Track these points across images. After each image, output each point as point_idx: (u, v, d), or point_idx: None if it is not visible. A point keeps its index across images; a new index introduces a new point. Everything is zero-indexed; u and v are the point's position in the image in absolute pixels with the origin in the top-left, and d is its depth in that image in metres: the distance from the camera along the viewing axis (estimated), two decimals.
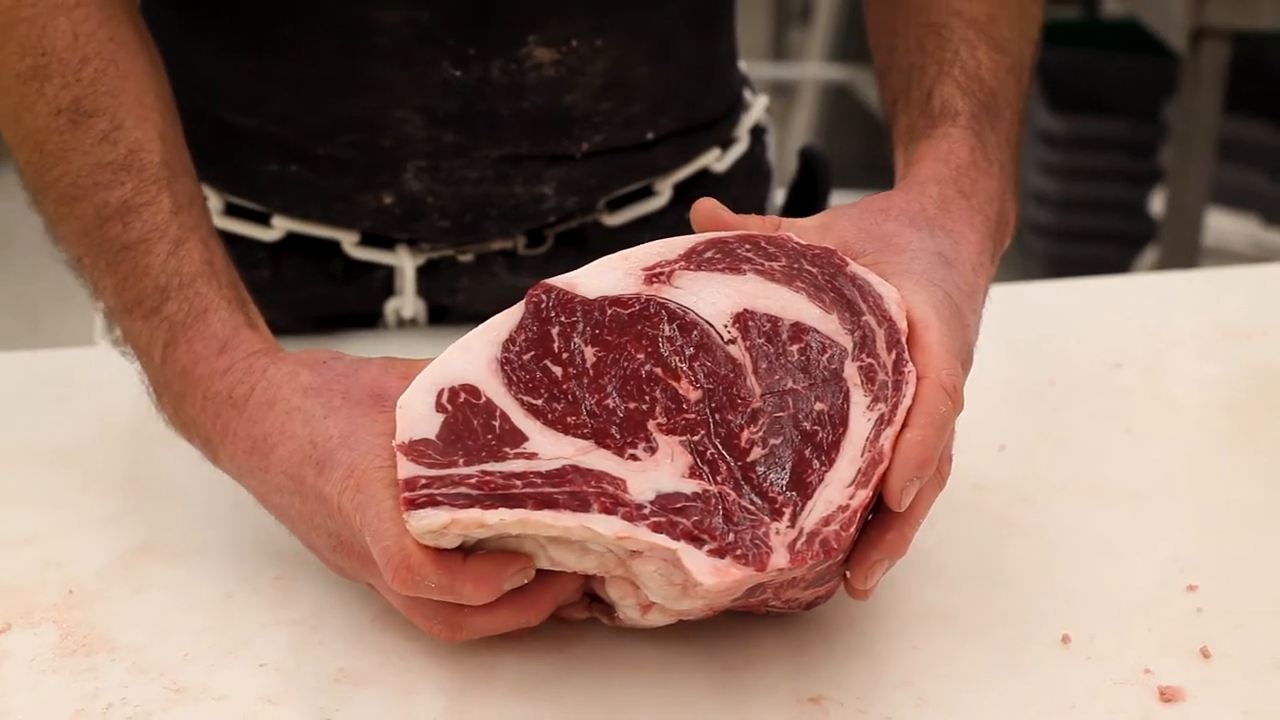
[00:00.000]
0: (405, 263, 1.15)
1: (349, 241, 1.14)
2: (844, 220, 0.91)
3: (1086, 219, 3.04)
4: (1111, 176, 2.98)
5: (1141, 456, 1.04)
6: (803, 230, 0.90)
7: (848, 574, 0.81)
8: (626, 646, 0.86)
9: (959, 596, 0.91)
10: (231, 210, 1.15)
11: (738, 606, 0.83)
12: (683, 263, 0.86)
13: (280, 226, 1.14)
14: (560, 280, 0.85)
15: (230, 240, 1.14)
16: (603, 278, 0.85)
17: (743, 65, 1.29)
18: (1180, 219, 2.16)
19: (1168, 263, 2.20)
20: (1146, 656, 0.86)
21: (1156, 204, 2.63)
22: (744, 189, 1.24)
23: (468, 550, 0.80)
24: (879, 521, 0.81)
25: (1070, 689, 0.84)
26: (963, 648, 0.87)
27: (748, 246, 0.87)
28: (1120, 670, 0.85)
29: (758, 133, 1.27)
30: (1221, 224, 2.49)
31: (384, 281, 1.16)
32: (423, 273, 1.16)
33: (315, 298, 1.17)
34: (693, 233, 1.17)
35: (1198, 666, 0.86)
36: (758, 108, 1.27)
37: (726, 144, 1.23)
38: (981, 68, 0.99)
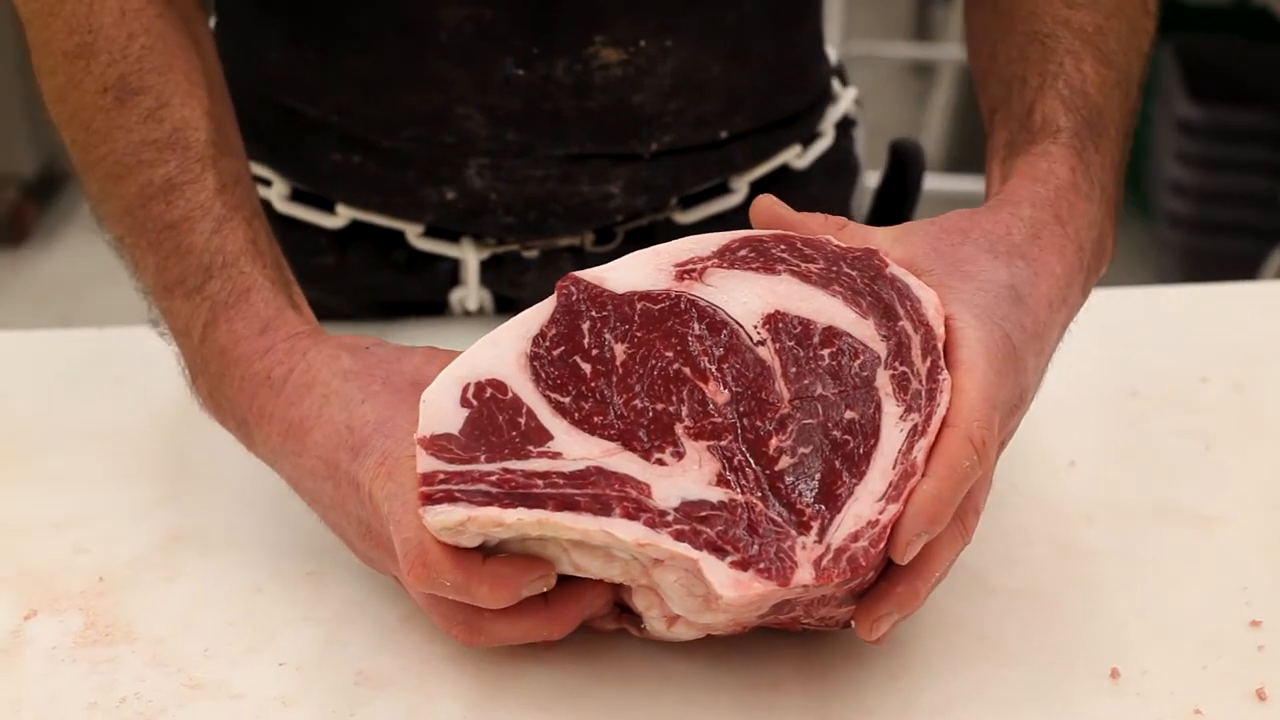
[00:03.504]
0: (469, 256, 1.13)
1: (413, 233, 1.12)
2: (918, 235, 0.86)
3: (1222, 211, 2.95)
4: (1250, 168, 2.89)
5: (1218, 478, 0.99)
6: (869, 238, 0.86)
7: (853, 622, 0.78)
8: (654, 661, 0.84)
9: (1006, 621, 0.87)
10: (297, 196, 1.14)
11: (768, 623, 0.80)
12: (715, 260, 0.83)
13: (344, 215, 1.12)
14: (589, 274, 0.82)
15: (294, 226, 1.13)
16: (633, 272, 0.83)
17: (832, 54, 1.25)
18: None
19: None
20: (1198, 696, 0.82)
21: None
22: (825, 186, 1.20)
23: (489, 551, 0.78)
24: (889, 573, 0.77)
25: None
26: (1003, 677, 0.83)
27: (783, 247, 0.83)
28: (1168, 710, 0.81)
29: (845, 126, 1.23)
30: None
31: (449, 272, 1.14)
32: (487, 266, 1.13)
33: (379, 286, 1.15)
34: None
35: (1251, 710, 0.81)
36: (845, 100, 1.23)
37: (809, 140, 1.19)
38: (1087, 82, 0.93)
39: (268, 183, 1.14)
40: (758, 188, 1.15)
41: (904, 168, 1.24)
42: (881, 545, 0.74)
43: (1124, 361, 1.11)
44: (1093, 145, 0.91)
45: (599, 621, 0.83)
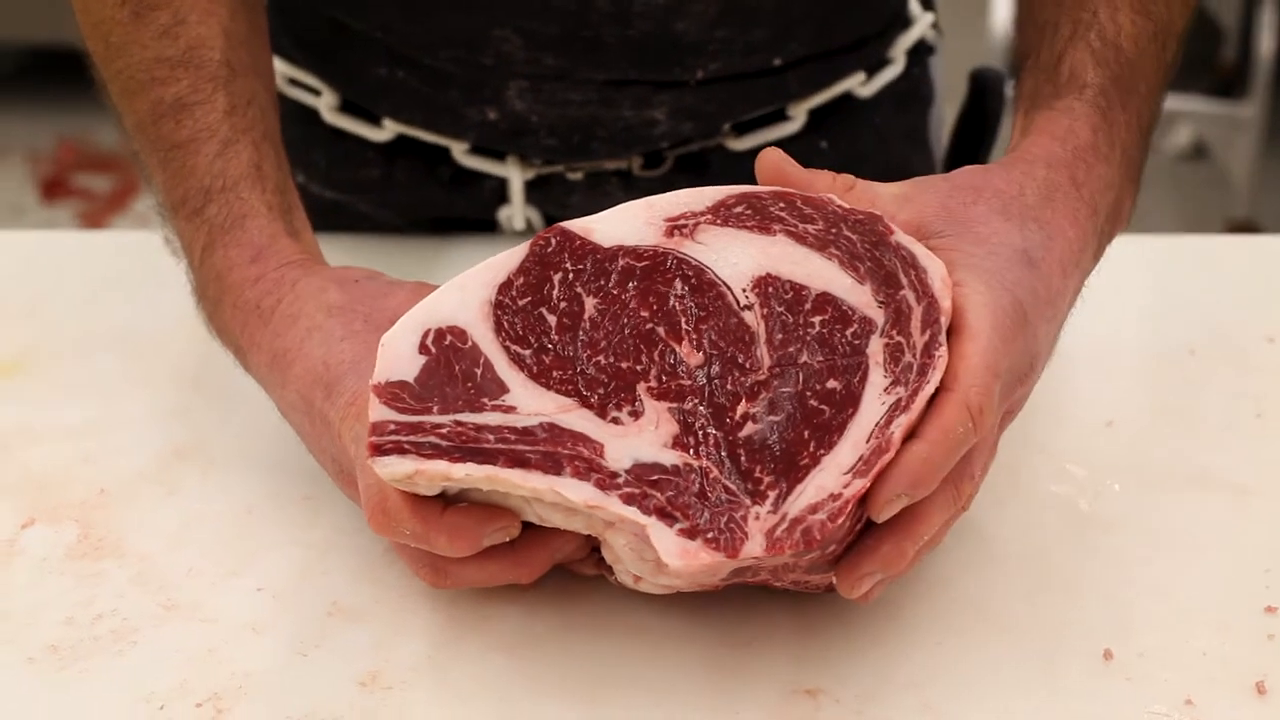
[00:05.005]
0: (514, 175, 1.10)
1: (459, 150, 1.10)
2: (928, 194, 0.82)
3: None
4: None
5: (1267, 448, 0.93)
6: (877, 198, 0.82)
7: (834, 579, 0.75)
8: (628, 612, 0.82)
9: (1004, 591, 0.83)
10: (345, 107, 1.12)
11: (737, 583, 0.77)
12: (709, 216, 0.79)
13: (391, 128, 1.11)
14: (575, 224, 0.80)
15: (342, 137, 1.12)
16: (622, 225, 0.80)
17: None
18: None
19: None
20: (1192, 684, 0.77)
21: None
22: (893, 115, 1.15)
23: (451, 499, 0.77)
24: (875, 531, 0.74)
25: (1096, 713, 0.76)
26: (990, 652, 0.80)
27: (783, 205, 0.80)
28: (1159, 697, 0.77)
29: (919, 53, 1.18)
30: None
31: (496, 190, 1.12)
32: (533, 186, 1.11)
33: (426, 201, 1.13)
34: (830, 159, 1.09)
35: (1248, 703, 0.77)
36: (921, 25, 1.17)
37: (876, 67, 1.14)
38: (1122, 34, 0.88)
39: (317, 92, 1.12)
40: (817, 115, 1.11)
41: (984, 98, 1.18)
42: (841, 519, 0.71)
43: (1184, 316, 1.05)
44: (1119, 104, 0.86)
45: (578, 565, 0.82)
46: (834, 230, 0.78)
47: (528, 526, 0.78)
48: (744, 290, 0.77)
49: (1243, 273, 1.10)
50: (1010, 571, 0.85)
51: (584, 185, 1.11)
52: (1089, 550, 0.86)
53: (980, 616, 0.82)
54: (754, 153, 1.09)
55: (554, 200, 1.12)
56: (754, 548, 0.71)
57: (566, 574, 0.82)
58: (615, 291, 0.77)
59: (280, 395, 0.85)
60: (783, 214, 0.79)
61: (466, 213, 1.14)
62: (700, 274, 0.77)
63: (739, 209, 0.79)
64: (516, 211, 1.12)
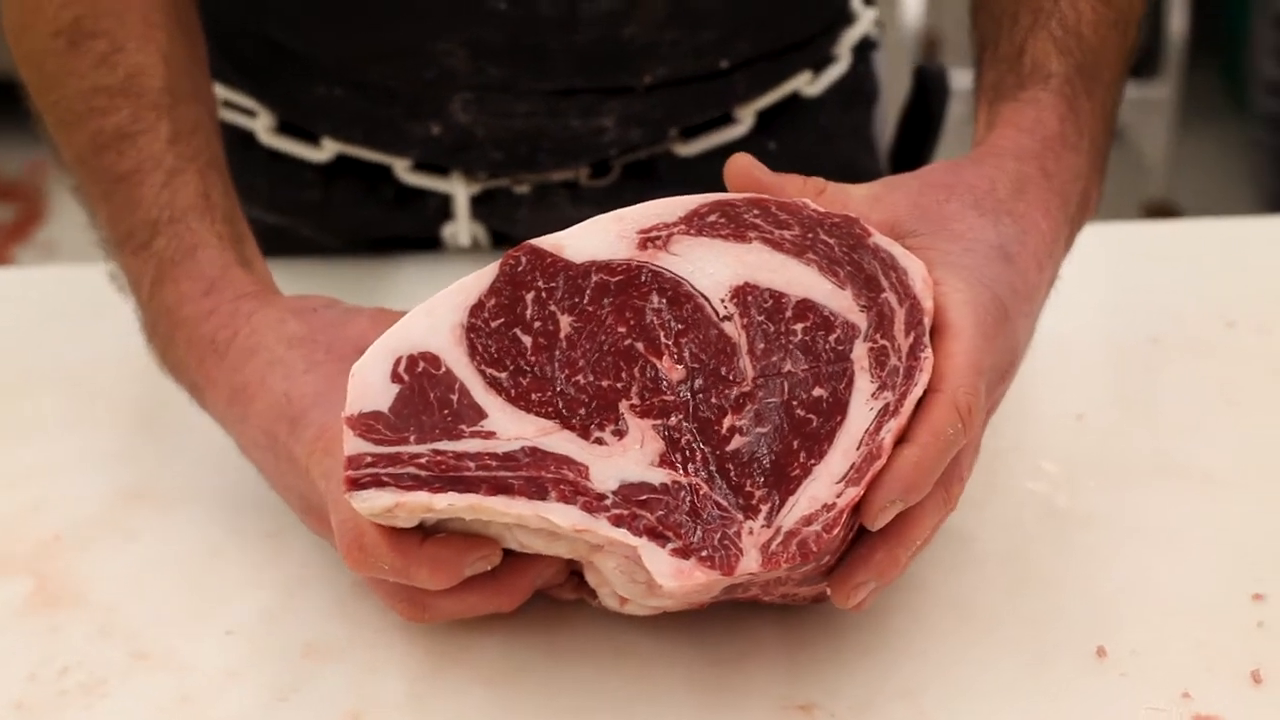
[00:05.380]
0: (459, 190, 1.08)
1: (401, 167, 1.08)
2: (899, 193, 0.81)
3: None
4: None
5: (1238, 435, 0.93)
6: (849, 199, 0.80)
7: (828, 590, 0.73)
8: (611, 634, 0.80)
9: (988, 593, 0.82)
10: (283, 128, 1.10)
11: (725, 600, 0.76)
12: (683, 226, 0.78)
13: (330, 148, 1.08)
14: (546, 241, 0.78)
15: (280, 159, 1.09)
16: (592, 240, 0.78)
17: None
18: None
19: None
20: (1189, 678, 0.77)
21: None
22: (839, 114, 1.14)
23: (429, 530, 0.74)
24: (868, 539, 0.72)
25: (1093, 713, 0.75)
26: (981, 656, 0.78)
27: (757, 212, 0.78)
28: (1155, 692, 0.76)
29: (863, 49, 1.16)
30: None
31: (440, 207, 1.10)
32: (479, 201, 1.09)
33: (368, 221, 1.11)
34: (778, 160, 1.08)
35: (1245, 693, 0.76)
36: (865, 21, 1.16)
37: (821, 65, 1.12)
38: (1083, 21, 0.87)
39: (252, 114, 1.10)
40: (765, 117, 1.10)
41: (928, 94, 1.17)
42: (836, 530, 0.70)
43: (1143, 305, 1.04)
44: (1084, 93, 0.85)
45: (557, 590, 0.80)
46: (811, 235, 0.77)
47: (508, 553, 0.76)
48: (723, 301, 0.75)
49: (1197, 258, 1.10)
50: (992, 572, 0.83)
51: (530, 198, 1.09)
52: (1069, 547, 0.85)
53: (967, 619, 0.81)
54: (702, 158, 1.09)
55: (500, 215, 1.10)
56: (750, 564, 0.69)
57: (545, 599, 0.80)
58: (591, 308, 0.75)
59: (241, 432, 0.82)
60: (758, 221, 0.77)
61: (410, 231, 1.12)
62: (677, 286, 0.75)
63: (713, 218, 0.78)
64: (462, 228, 1.10)
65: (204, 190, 0.87)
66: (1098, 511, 0.87)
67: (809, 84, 1.11)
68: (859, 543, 0.73)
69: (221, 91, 1.09)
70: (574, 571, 0.79)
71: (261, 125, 1.09)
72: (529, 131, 1.03)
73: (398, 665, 0.79)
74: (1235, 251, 1.10)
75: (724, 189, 1.06)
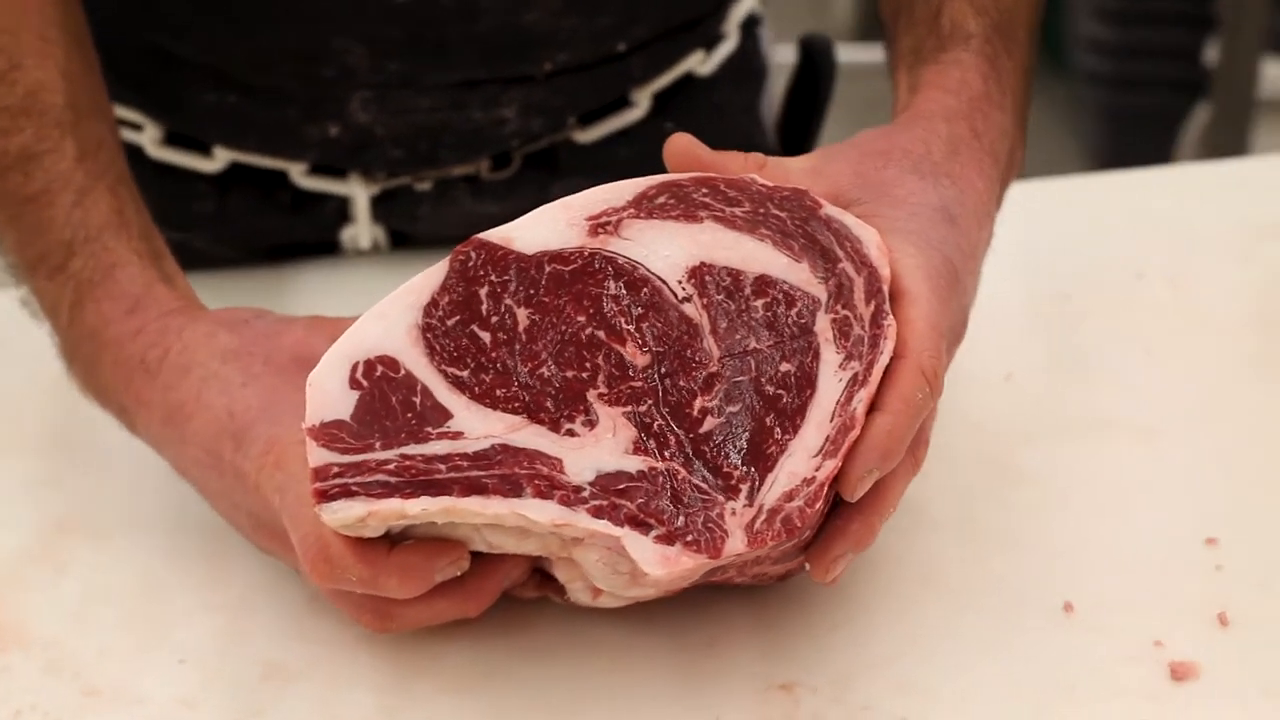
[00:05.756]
0: (358, 192, 1.06)
1: (297, 171, 1.05)
2: (838, 163, 0.81)
3: (1142, 66, 2.89)
4: (1171, 21, 2.82)
5: (1163, 385, 0.94)
6: (790, 172, 0.80)
7: (807, 565, 0.73)
8: (580, 629, 0.79)
9: (949, 557, 0.82)
10: (171, 139, 1.06)
11: (699, 584, 0.75)
12: (632, 210, 0.77)
13: (222, 157, 1.05)
14: (494, 234, 0.76)
15: (170, 172, 1.06)
16: (541, 230, 0.76)
17: None
18: (1234, 70, 2.03)
19: (1221, 117, 2.07)
20: (1157, 626, 0.78)
21: (1211, 53, 2.48)
22: (732, 93, 1.14)
23: (395, 538, 0.73)
24: (843, 511, 0.72)
25: (1071, 667, 0.76)
26: (951, 619, 0.79)
27: (705, 190, 0.77)
28: (1128, 643, 0.77)
29: (749, 26, 1.16)
30: (1267, 73, 2.33)
31: (338, 210, 1.07)
32: (379, 201, 1.07)
33: (264, 229, 1.08)
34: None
35: (1214, 636, 0.77)
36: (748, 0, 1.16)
37: (712, 43, 1.12)
38: None
39: (138, 127, 1.06)
40: (660, 99, 1.09)
41: (815, 66, 1.17)
42: (818, 504, 0.69)
43: (1054, 262, 1.05)
44: (1005, 51, 0.86)
45: (519, 590, 0.78)
46: (762, 210, 0.76)
47: (474, 556, 0.74)
48: (680, 282, 0.74)
49: (1099, 212, 1.11)
50: (948, 537, 0.84)
51: (432, 195, 1.07)
52: (1019, 506, 0.86)
53: (931, 586, 0.81)
54: (601, 144, 1.08)
55: (400, 214, 1.08)
56: (736, 544, 0.69)
57: (507, 600, 0.79)
58: (547, 299, 0.74)
59: (179, 452, 0.80)
60: (707, 199, 0.77)
61: (307, 237, 1.09)
62: (632, 271, 0.74)
63: (661, 199, 0.77)
64: (362, 230, 1.07)
65: (117, 207, 0.84)
66: (1040, 469, 0.88)
67: (702, 63, 1.11)
68: (834, 515, 0.73)
69: None
70: (536, 569, 0.78)
71: (149, 138, 1.06)
72: (430, 127, 1.01)
73: (364, 680, 0.77)
74: (1136, 204, 1.12)
75: (625, 174, 1.05)
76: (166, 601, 0.82)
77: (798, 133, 1.21)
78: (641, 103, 1.08)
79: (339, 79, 0.99)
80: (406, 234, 1.09)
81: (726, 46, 1.13)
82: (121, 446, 0.85)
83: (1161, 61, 2.85)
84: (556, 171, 1.07)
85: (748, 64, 1.15)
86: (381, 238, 1.09)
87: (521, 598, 0.79)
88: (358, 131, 1.01)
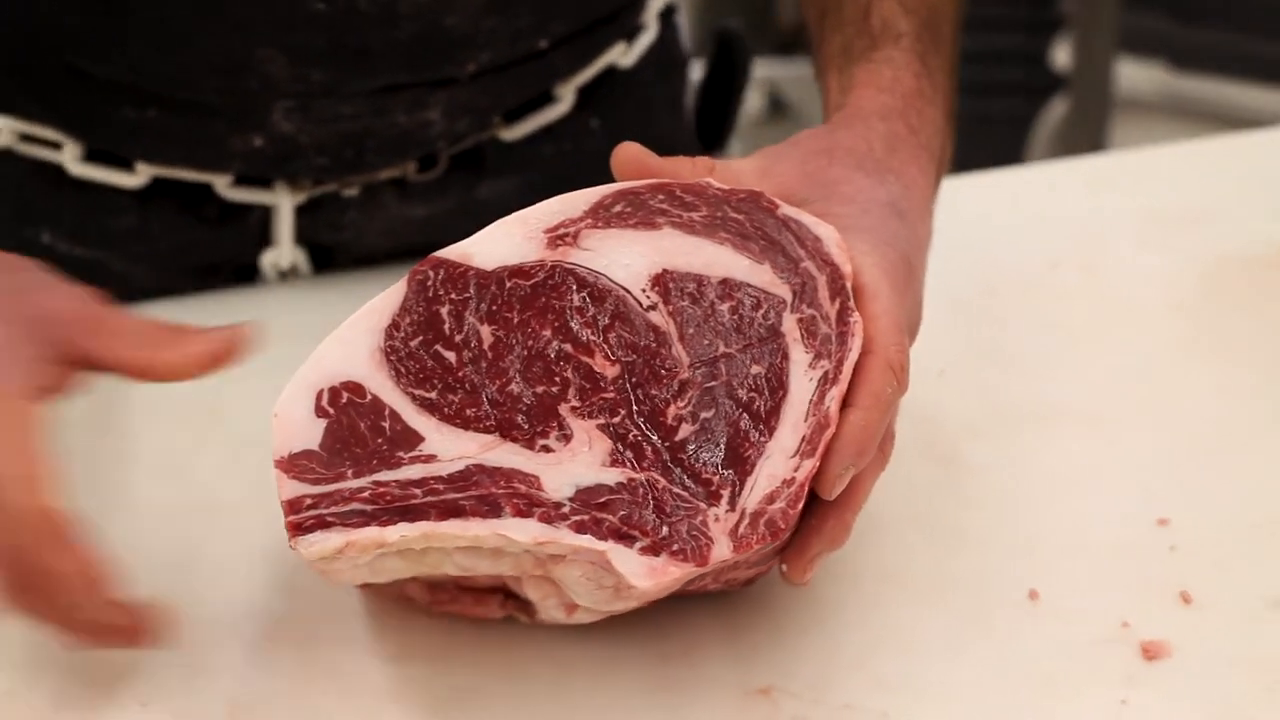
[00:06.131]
0: (284, 201, 1.04)
1: (221, 183, 1.03)
2: (785, 163, 0.81)
3: (988, 71, 2.94)
4: (1013, 26, 2.88)
5: (1092, 371, 0.96)
6: (739, 175, 0.80)
7: (783, 567, 0.73)
8: (550, 647, 0.77)
9: (910, 554, 0.83)
10: (92, 155, 1.04)
11: (675, 593, 0.74)
12: (589, 220, 0.76)
13: (145, 172, 1.03)
14: (451, 251, 0.75)
15: (91, 188, 1.04)
16: (499, 244, 0.75)
17: None
18: (1089, 70, 2.07)
19: (1078, 116, 2.11)
20: (1122, 608, 0.79)
21: (1060, 55, 2.53)
22: (656, 84, 1.14)
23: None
24: (817, 510, 0.72)
25: (1044, 654, 0.77)
26: (920, 616, 0.79)
27: (662, 197, 0.77)
28: (1096, 627, 0.78)
29: (667, 15, 1.16)
30: (1129, 73, 2.39)
31: (261, 223, 1.06)
32: (304, 211, 1.05)
33: (187, 246, 1.06)
34: (601, 136, 1.07)
35: (1179, 614, 0.78)
36: None
37: (632, 35, 1.12)
38: None
39: (57, 146, 1.03)
40: (585, 93, 1.09)
41: (730, 56, 1.18)
42: (800, 504, 0.69)
43: (973, 258, 1.06)
44: (933, 48, 0.87)
45: (484, 609, 0.77)
46: (719, 214, 0.76)
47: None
48: (644, 291, 0.74)
49: (1007, 207, 1.13)
50: (905, 535, 0.84)
51: (358, 201, 1.05)
52: (971, 499, 0.86)
53: (895, 584, 0.81)
54: (527, 141, 1.07)
55: (325, 223, 1.06)
56: (722, 551, 0.68)
57: (473, 623, 0.78)
58: (510, 315, 0.73)
59: None
60: (664, 205, 0.76)
61: (231, 254, 1.07)
62: (595, 281, 0.74)
63: (618, 208, 0.76)
64: (284, 250, 1.06)
65: None
66: (986, 462, 0.89)
67: (623, 55, 1.10)
68: (807, 514, 0.73)
69: (20, 125, 1.02)
70: (499, 588, 0.77)
71: (69, 155, 1.03)
72: (355, 133, 1.00)
73: (332, 712, 0.75)
74: (1038, 199, 1.13)
75: (552, 170, 1.04)
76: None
77: (715, 125, 1.21)
78: (566, 97, 1.08)
79: (261, 90, 0.98)
80: (330, 247, 1.07)
81: (646, 37, 1.12)
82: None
83: (1008, 66, 2.90)
84: (483, 171, 1.07)
85: (668, 54, 1.15)
86: (302, 261, 1.07)
87: (484, 618, 0.78)
88: (282, 141, 1.00)
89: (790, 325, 0.73)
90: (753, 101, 3.43)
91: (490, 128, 1.06)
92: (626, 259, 0.75)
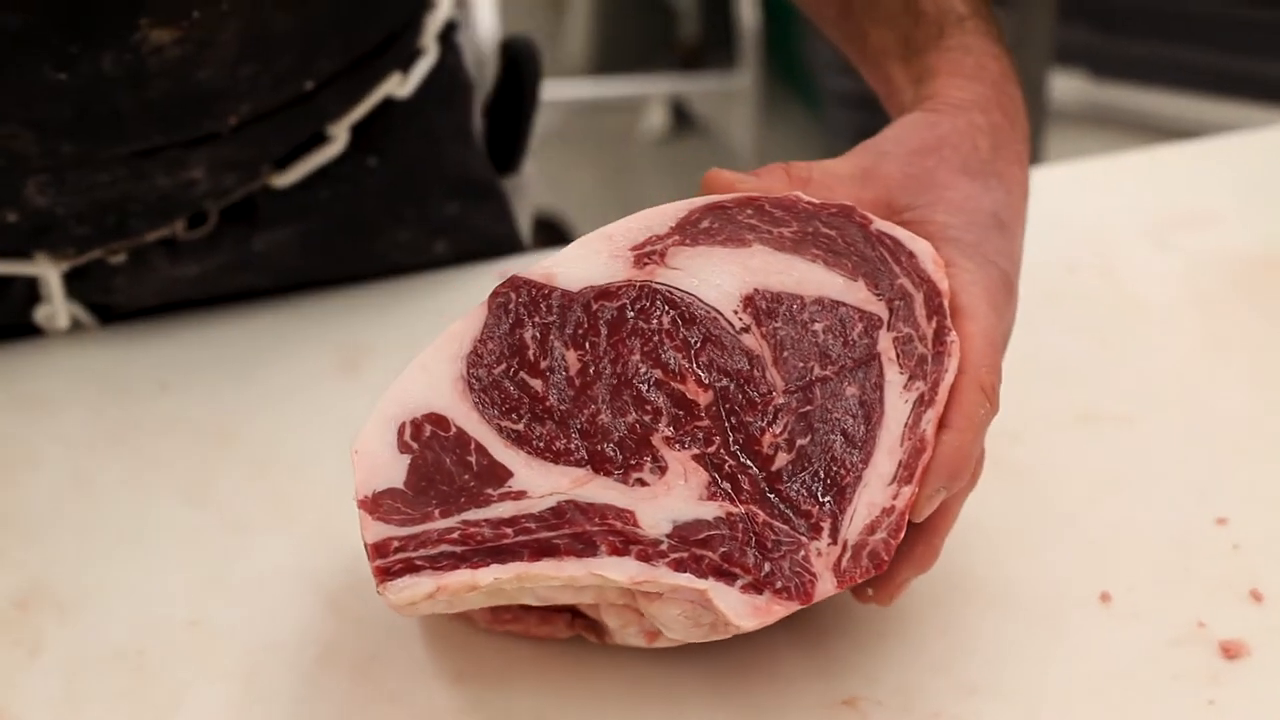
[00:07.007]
0: (48, 272, 0.98)
1: None
2: (887, 164, 0.77)
3: None
4: None
5: (1124, 373, 0.95)
6: (839, 179, 0.77)
7: (869, 591, 0.71)
8: (622, 666, 0.75)
9: (976, 560, 0.81)
10: None
11: None
12: (676, 237, 0.73)
13: None
14: (534, 271, 0.72)
15: None
16: (583, 264, 0.72)
17: None
18: (1024, 82, 2.07)
19: None
20: (1195, 607, 0.77)
21: None
22: (439, 112, 1.07)
23: None
24: (908, 533, 0.70)
25: (1124, 656, 0.75)
26: (995, 621, 0.77)
27: (750, 211, 0.74)
28: (1172, 627, 0.77)
29: (447, 36, 1.09)
30: (1054, 83, 2.40)
31: (27, 290, 0.99)
32: (71, 277, 0.99)
33: None
34: (381, 175, 1.02)
35: (1252, 612, 0.77)
36: (445, 5, 1.08)
37: (408, 62, 1.05)
38: None
39: None
40: (359, 130, 1.02)
41: (519, 68, 1.13)
42: (902, 534, 0.67)
43: None
44: (996, 24, 0.84)
45: (552, 630, 0.75)
46: (810, 229, 0.73)
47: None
48: (736, 312, 0.71)
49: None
50: (969, 541, 0.82)
51: (127, 266, 0.99)
52: (1026, 502, 0.85)
53: (968, 592, 0.79)
54: (300, 187, 1.01)
55: (95, 288, 1.00)
56: (826, 587, 0.66)
57: (540, 644, 0.75)
58: (596, 340, 0.70)
59: None
60: (753, 221, 0.73)
61: (1, 320, 1.01)
62: (685, 303, 0.71)
63: (706, 223, 0.73)
64: (58, 309, 0.99)
65: None
66: (1035, 464, 0.87)
67: (400, 85, 1.04)
68: None
69: None
70: (567, 609, 0.74)
71: None
72: (114, 199, 0.94)
73: None
74: (1052, 200, 1.12)
75: (329, 217, 0.97)
76: (160, 676, 0.76)
77: (508, 142, 1.16)
78: (339, 137, 1.02)
79: (10, 167, 0.91)
80: (106, 307, 1.02)
81: (425, 63, 1.05)
82: (71, 512, 0.79)
83: None
84: (256, 222, 1.01)
85: (451, 79, 1.09)
86: (83, 314, 1.01)
87: (553, 638, 0.75)
88: (37, 215, 0.93)
89: (886, 345, 0.71)
90: (657, 117, 3.42)
91: (260, 177, 1.00)
92: (717, 278, 0.72)
